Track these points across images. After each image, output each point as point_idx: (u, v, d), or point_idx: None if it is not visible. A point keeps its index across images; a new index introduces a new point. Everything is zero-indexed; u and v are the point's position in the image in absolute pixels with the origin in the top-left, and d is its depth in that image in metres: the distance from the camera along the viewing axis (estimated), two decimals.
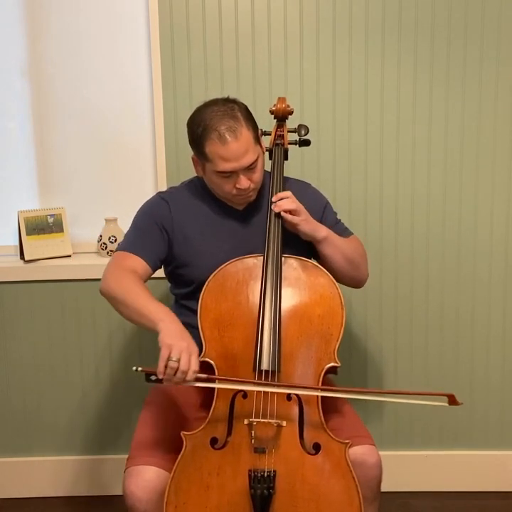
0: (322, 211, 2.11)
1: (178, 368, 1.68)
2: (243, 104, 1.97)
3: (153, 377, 1.71)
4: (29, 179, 2.74)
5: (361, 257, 2.12)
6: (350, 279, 2.09)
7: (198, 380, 1.73)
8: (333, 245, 2.01)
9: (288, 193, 1.96)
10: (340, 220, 2.16)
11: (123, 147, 2.71)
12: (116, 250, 2.05)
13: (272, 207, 1.95)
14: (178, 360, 1.68)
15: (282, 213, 1.94)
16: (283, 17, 2.53)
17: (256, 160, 1.93)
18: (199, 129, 1.92)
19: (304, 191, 2.11)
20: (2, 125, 2.71)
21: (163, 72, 2.56)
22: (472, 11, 2.51)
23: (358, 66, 2.55)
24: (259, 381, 1.79)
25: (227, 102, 1.95)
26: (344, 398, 2.02)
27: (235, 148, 1.88)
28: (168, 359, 1.68)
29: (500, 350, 2.72)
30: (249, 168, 1.92)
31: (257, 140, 1.95)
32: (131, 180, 2.72)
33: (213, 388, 1.81)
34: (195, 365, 1.70)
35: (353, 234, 2.16)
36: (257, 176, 1.96)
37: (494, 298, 2.69)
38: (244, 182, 1.93)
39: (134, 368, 1.73)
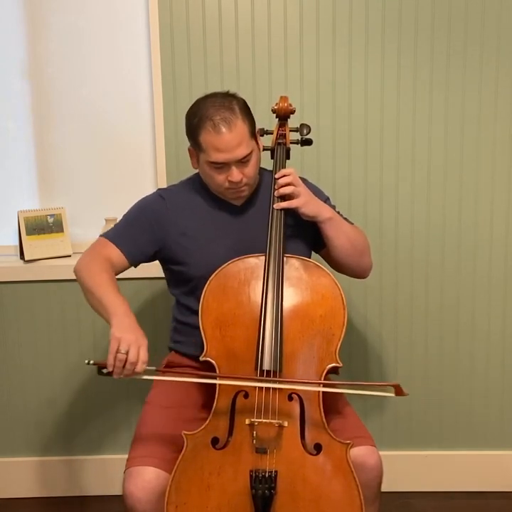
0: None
1: (126, 360, 1.70)
2: (242, 98, 1.98)
3: (104, 370, 1.73)
4: (29, 179, 2.74)
5: (365, 242, 2.11)
6: (355, 265, 2.08)
7: (148, 372, 1.75)
8: (338, 227, 2.00)
9: (290, 170, 1.97)
10: (339, 211, 2.14)
11: (123, 147, 2.71)
12: (101, 236, 2.07)
13: (275, 193, 1.96)
14: (127, 352, 1.70)
15: (281, 205, 1.94)
16: (283, 17, 2.53)
17: (249, 154, 1.93)
18: (195, 119, 1.94)
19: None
20: (2, 125, 2.71)
21: (163, 72, 2.56)
22: (472, 11, 2.52)
23: (357, 65, 2.55)
24: (251, 377, 1.79)
25: (227, 95, 1.97)
26: (344, 394, 2.04)
27: (229, 139, 1.89)
28: (117, 351, 1.70)
29: (500, 350, 2.73)
30: (242, 162, 1.93)
31: (253, 135, 1.96)
32: (131, 180, 2.72)
33: (214, 388, 1.82)
34: (144, 357, 1.73)
35: (353, 223, 2.15)
36: (250, 170, 1.96)
37: (494, 299, 2.70)
38: (236, 175, 1.93)
39: (86, 361, 1.76)
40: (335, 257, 2.05)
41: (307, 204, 1.96)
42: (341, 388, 1.89)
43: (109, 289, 1.86)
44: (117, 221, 2.13)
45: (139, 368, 1.72)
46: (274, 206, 1.95)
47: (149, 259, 2.08)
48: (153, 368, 1.77)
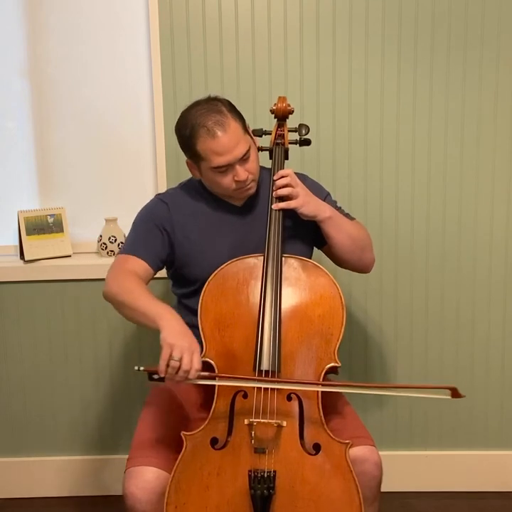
0: (323, 200, 2.10)
1: (179, 367, 1.68)
2: (226, 99, 1.98)
3: (155, 376, 1.71)
4: (29, 179, 2.74)
5: (367, 238, 2.10)
6: (357, 260, 2.08)
7: (200, 377, 1.73)
8: (338, 225, 2.00)
9: (288, 171, 1.96)
10: (340, 207, 2.15)
11: (123, 147, 2.71)
12: (117, 254, 2.06)
13: (273, 194, 1.96)
14: (180, 360, 1.68)
15: (279, 206, 1.94)
16: (283, 17, 2.53)
17: (248, 150, 1.93)
18: (187, 130, 1.93)
19: (303, 182, 2.10)
20: (2, 125, 2.71)
21: (163, 73, 2.56)
22: (472, 12, 2.52)
23: (357, 65, 2.55)
24: (260, 378, 1.79)
25: (209, 100, 1.97)
26: (343, 394, 2.04)
27: (226, 140, 1.89)
28: (170, 358, 1.68)
29: (500, 350, 2.72)
30: (244, 159, 1.93)
31: (246, 130, 1.96)
32: (131, 180, 2.72)
33: (214, 388, 1.81)
34: (197, 364, 1.70)
35: (355, 219, 2.15)
36: (253, 165, 1.96)
37: (494, 298, 2.69)
38: (242, 173, 1.93)
39: (136, 368, 1.73)
40: (336, 254, 2.05)
41: (306, 204, 1.95)
42: (390, 391, 1.87)
43: (149, 298, 1.84)
44: (126, 233, 2.11)
45: (192, 375, 1.70)
46: (273, 207, 1.95)
47: (165, 263, 2.07)
48: (206, 373, 1.74)
